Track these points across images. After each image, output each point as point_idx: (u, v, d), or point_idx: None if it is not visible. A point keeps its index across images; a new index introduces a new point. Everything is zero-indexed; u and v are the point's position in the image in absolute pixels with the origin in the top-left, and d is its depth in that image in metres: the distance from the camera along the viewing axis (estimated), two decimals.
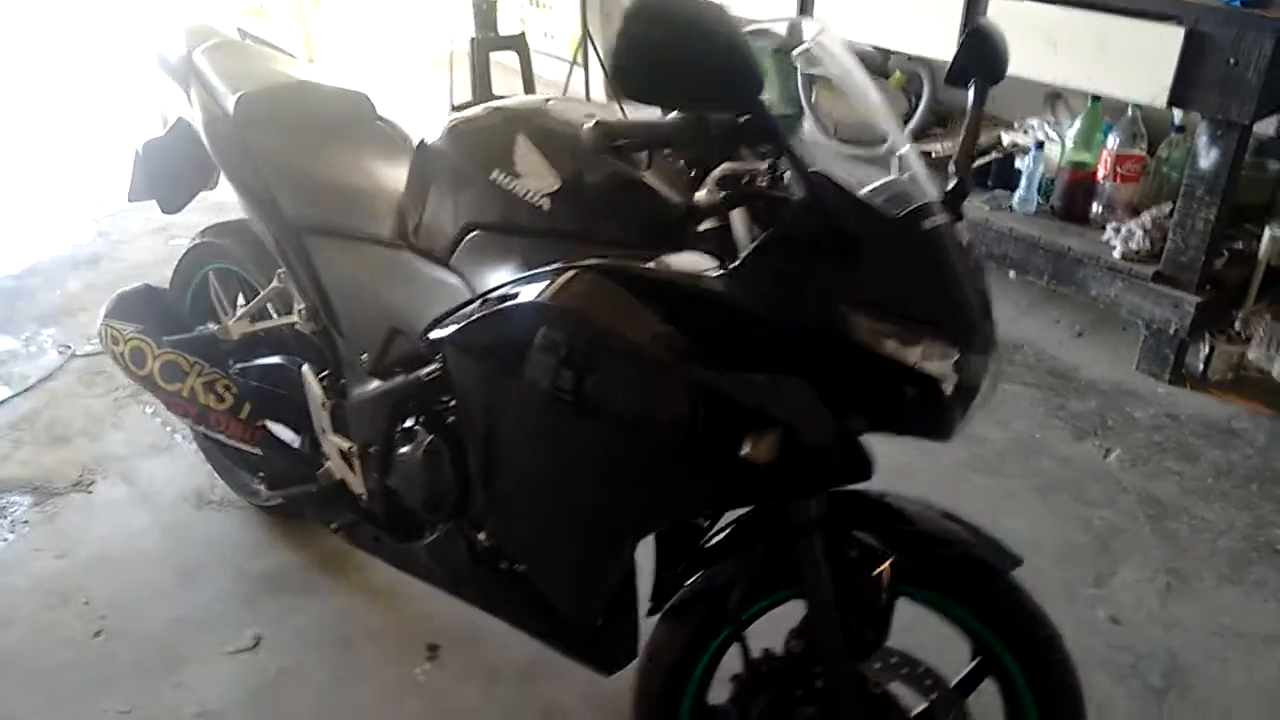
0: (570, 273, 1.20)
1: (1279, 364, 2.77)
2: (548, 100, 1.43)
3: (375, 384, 1.64)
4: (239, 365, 1.91)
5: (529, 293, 1.23)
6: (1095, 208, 2.98)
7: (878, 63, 3.76)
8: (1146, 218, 2.76)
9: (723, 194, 1.14)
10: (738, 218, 1.15)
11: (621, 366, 1.16)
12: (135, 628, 1.96)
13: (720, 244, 1.17)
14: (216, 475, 2.34)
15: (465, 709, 1.80)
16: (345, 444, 1.72)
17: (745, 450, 1.08)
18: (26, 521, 2.25)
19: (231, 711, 1.79)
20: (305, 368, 1.77)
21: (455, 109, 4.13)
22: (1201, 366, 2.79)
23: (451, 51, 4.59)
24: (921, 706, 1.29)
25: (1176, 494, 2.36)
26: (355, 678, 1.86)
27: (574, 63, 4.48)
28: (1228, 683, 1.85)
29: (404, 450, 1.56)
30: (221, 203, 2.09)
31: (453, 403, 1.50)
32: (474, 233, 1.38)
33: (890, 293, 1.06)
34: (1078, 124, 2.94)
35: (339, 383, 1.75)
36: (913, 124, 3.46)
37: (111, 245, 3.65)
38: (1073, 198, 2.97)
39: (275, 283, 1.79)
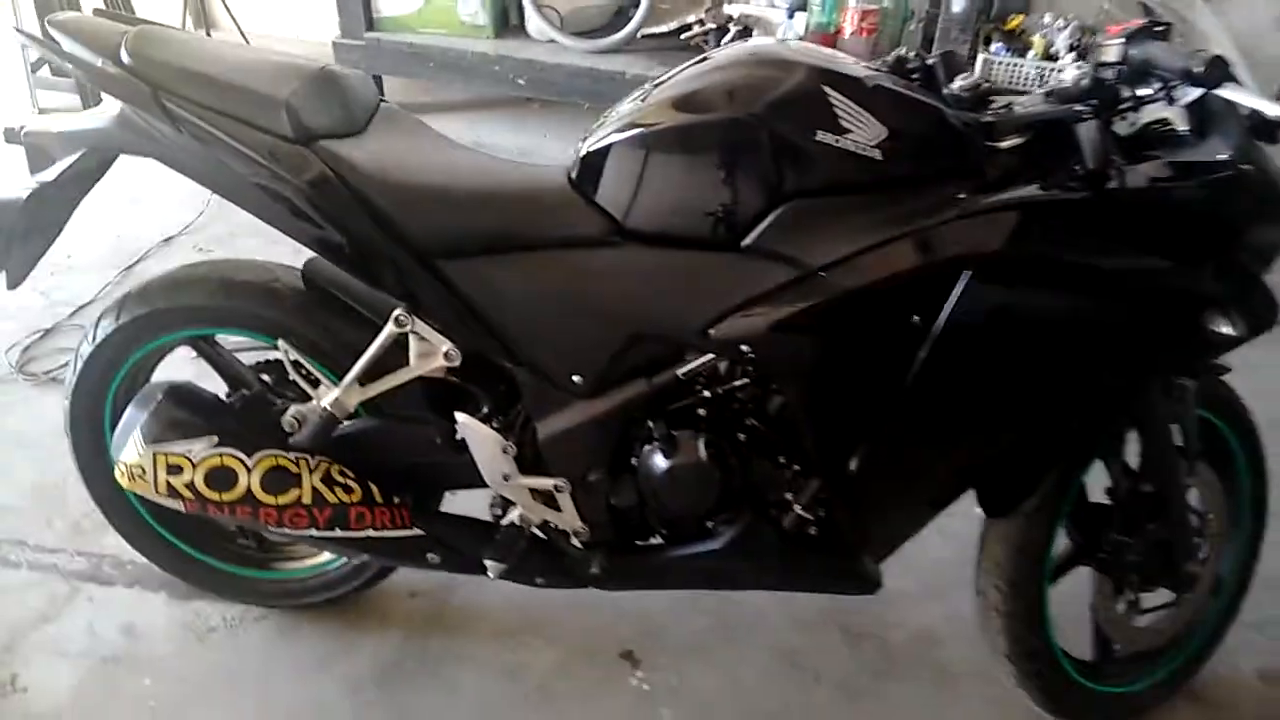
0: (989, 215, 1.22)
1: None
2: (782, 44, 1.34)
3: (588, 405, 1.43)
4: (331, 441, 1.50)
5: (938, 248, 1.23)
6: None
7: None
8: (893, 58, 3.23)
9: (1081, 107, 1.23)
10: (1085, 131, 1.24)
11: (1095, 284, 1.23)
12: None
13: (1022, 159, 1.27)
14: (189, 598, 1.84)
15: (714, 689, 1.73)
16: (547, 483, 1.48)
17: (1212, 325, 1.24)
18: None
19: None
20: (462, 416, 1.46)
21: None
22: None
23: None
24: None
25: None
26: (592, 712, 1.69)
27: None
28: None
29: (669, 461, 1.41)
30: None
31: (718, 393, 1.41)
32: (787, 204, 1.27)
33: None
34: None
35: (517, 420, 1.48)
36: (637, 21, 3.55)
37: None
38: None
39: (391, 327, 1.41)
